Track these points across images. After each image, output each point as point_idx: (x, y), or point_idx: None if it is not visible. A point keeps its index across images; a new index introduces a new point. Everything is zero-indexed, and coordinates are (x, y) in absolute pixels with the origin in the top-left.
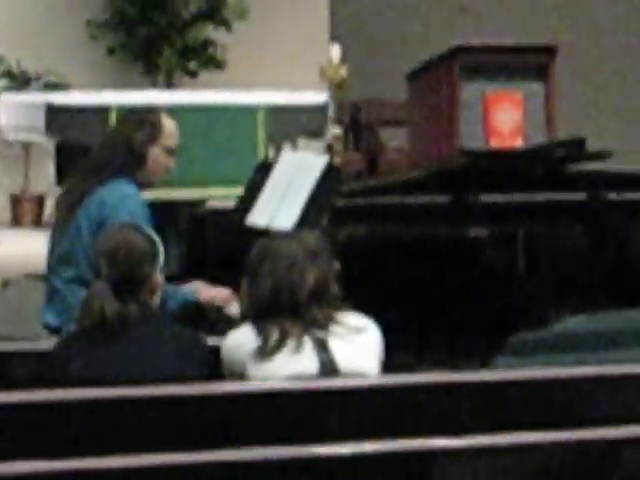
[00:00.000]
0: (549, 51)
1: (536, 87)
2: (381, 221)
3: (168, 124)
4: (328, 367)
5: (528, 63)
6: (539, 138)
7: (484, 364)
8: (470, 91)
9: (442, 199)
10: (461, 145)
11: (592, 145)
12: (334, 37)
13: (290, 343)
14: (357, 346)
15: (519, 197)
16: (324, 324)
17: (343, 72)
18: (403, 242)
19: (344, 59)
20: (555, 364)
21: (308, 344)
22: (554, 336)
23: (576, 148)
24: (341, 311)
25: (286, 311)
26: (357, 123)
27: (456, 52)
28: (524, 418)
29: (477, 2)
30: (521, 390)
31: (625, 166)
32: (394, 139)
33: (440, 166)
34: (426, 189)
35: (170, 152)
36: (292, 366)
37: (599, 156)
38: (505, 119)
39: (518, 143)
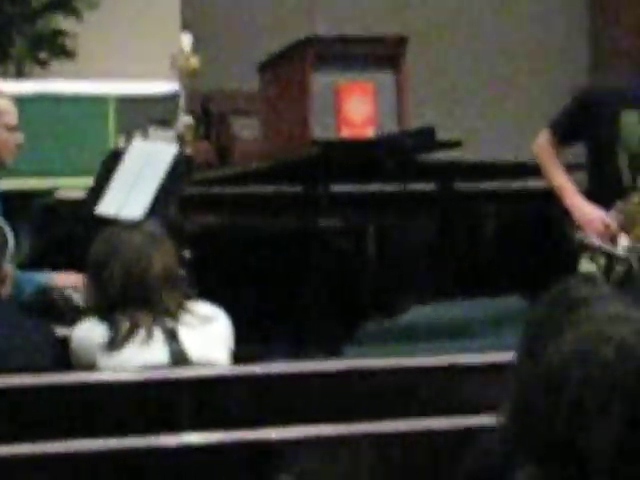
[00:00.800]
0: (400, 41)
1: (387, 77)
2: (231, 211)
3: (1, 102)
4: (178, 357)
5: (379, 53)
6: (391, 128)
7: (334, 353)
8: (321, 81)
9: (293, 189)
10: (312, 135)
11: (444, 135)
12: (185, 26)
13: (140, 333)
14: (207, 335)
15: (370, 187)
16: (174, 313)
17: (194, 61)
18: (253, 232)
19: (196, 48)
20: (403, 353)
21: (158, 334)
22: (402, 326)
23: (426, 138)
24: (191, 300)
25: (135, 301)
26: (208, 113)
27: (307, 42)
28: (373, 407)
29: None
30: (369, 379)
31: (477, 156)
32: (246, 129)
33: (291, 156)
34: (277, 179)
35: (12, 129)
36: (142, 357)
37: (449, 145)
38: (356, 109)
39: (369, 133)
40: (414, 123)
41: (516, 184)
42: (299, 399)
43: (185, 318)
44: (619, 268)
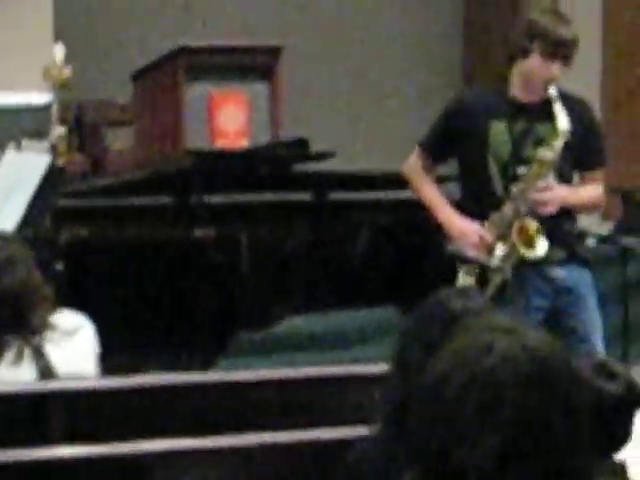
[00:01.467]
0: (274, 52)
1: (261, 88)
2: (105, 222)
3: None
4: (46, 374)
5: (253, 64)
6: (265, 139)
7: (208, 365)
8: (195, 92)
9: (166, 200)
10: (185, 146)
11: (319, 146)
12: (58, 37)
13: (8, 355)
14: (73, 348)
15: (244, 197)
16: (39, 329)
17: (67, 72)
18: (127, 243)
19: (69, 59)
20: (278, 365)
21: (27, 353)
22: (277, 337)
23: (299, 148)
24: (55, 313)
25: (2, 321)
26: (81, 124)
27: (180, 53)
28: (248, 419)
29: (203, 2)
30: (242, 391)
31: (351, 166)
32: (119, 140)
33: (164, 167)
34: (150, 190)
35: None
36: (11, 376)
37: (322, 156)
38: (230, 120)
39: (243, 143)
40: (289, 134)
41: (391, 194)
42: (172, 412)
43: (50, 334)
44: (495, 279)
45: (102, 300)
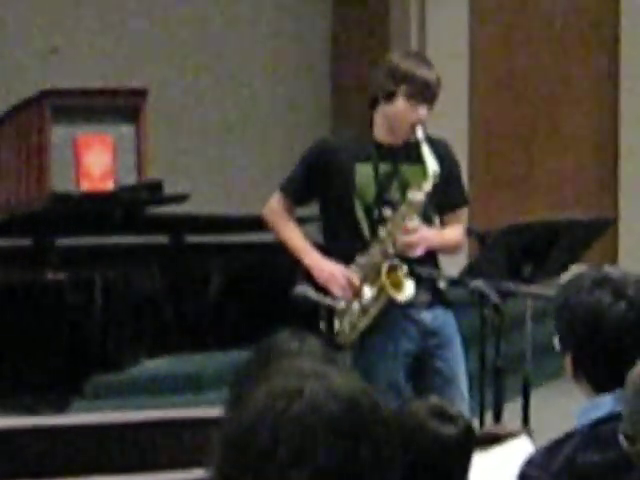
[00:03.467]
0: (139, 94)
1: (127, 130)
2: None
3: None
4: None
5: (118, 106)
6: (130, 180)
7: (62, 408)
8: (60, 134)
9: (20, 243)
10: (51, 189)
11: (183, 188)
12: None
13: None
14: None
15: (99, 240)
16: None
17: None
18: None
19: None
20: (133, 407)
21: None
22: (131, 379)
23: (152, 191)
24: None
25: None
26: None
27: (45, 95)
28: (101, 462)
29: (71, 43)
30: (96, 434)
31: (210, 209)
32: None
33: (18, 210)
34: (4, 233)
35: None
36: None
37: (176, 199)
38: (96, 162)
39: (109, 186)
40: (156, 175)
41: (248, 237)
42: (21, 455)
43: None
44: (360, 323)
45: None
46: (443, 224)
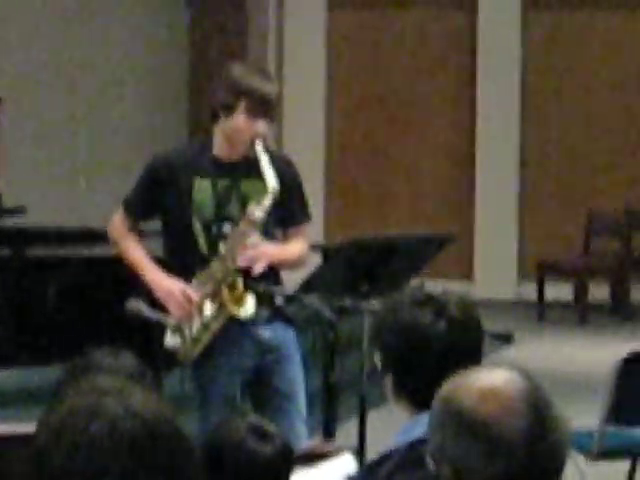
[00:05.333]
0: None
1: None
2: None
3: None
4: None
5: None
6: None
7: None
8: None
9: None
10: None
11: (33, 198)
12: None
13: None
14: None
15: None
16: None
17: None
18: None
19: None
20: None
21: None
22: None
23: None
24: None
25: None
26: None
27: None
28: None
29: None
30: None
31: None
32: None
33: None
34: None
35: None
36: None
37: (13, 211)
38: None
39: None
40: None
41: (84, 250)
42: None
43: None
44: (202, 338)
45: None
46: (286, 239)
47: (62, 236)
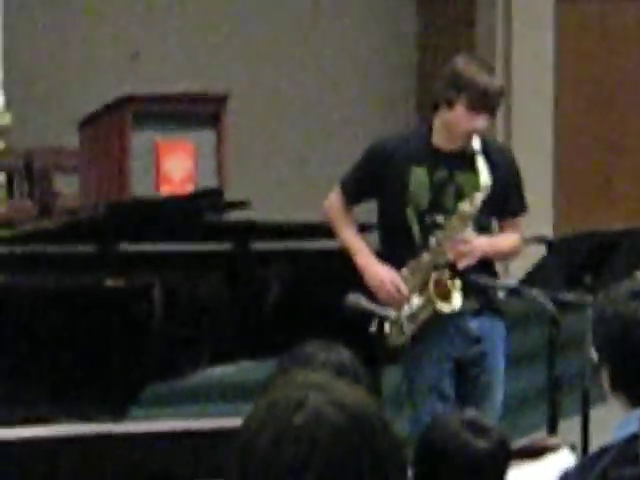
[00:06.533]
0: (219, 99)
1: (207, 135)
2: (20, 269)
3: None
4: None
5: (199, 111)
6: (211, 185)
7: (120, 417)
8: (141, 139)
9: (80, 249)
10: (131, 193)
11: (261, 194)
12: None
13: None
14: None
15: (157, 247)
16: None
17: (7, 119)
18: (39, 291)
19: (9, 106)
20: (191, 415)
21: None
22: (190, 387)
23: (213, 198)
24: None
25: None
26: (30, 170)
27: (126, 101)
28: (158, 470)
29: (151, 49)
30: (155, 443)
31: (298, 215)
32: (70, 186)
33: (80, 216)
34: (65, 238)
35: None
36: None
37: (238, 205)
38: (176, 167)
39: (189, 190)
40: (235, 181)
41: (312, 244)
42: (83, 462)
43: None
44: (395, 329)
45: (13, 348)
46: (501, 229)
47: (286, 230)
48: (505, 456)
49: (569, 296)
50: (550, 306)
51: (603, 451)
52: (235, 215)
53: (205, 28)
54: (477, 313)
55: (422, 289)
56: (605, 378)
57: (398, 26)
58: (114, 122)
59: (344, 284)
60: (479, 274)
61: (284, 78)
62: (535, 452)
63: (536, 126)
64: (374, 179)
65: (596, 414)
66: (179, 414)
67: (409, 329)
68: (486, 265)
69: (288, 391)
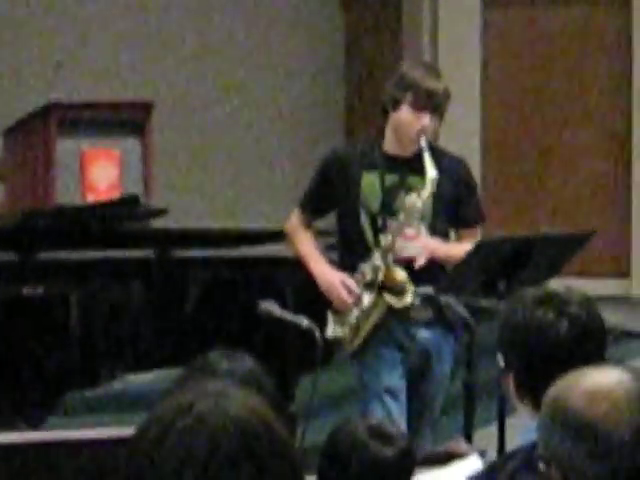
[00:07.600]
0: (145, 107)
1: (133, 143)
2: None
3: None
4: None
5: (124, 119)
6: (136, 193)
7: (37, 425)
8: (66, 147)
9: (0, 257)
10: (56, 201)
11: (186, 202)
12: None
13: None
14: None
15: (75, 255)
16: None
17: None
18: None
19: None
20: (110, 423)
21: None
22: (109, 394)
23: (131, 205)
24: None
25: None
26: None
27: (51, 108)
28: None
29: (74, 58)
30: (73, 451)
31: (231, 223)
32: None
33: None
34: None
35: None
36: None
37: (157, 213)
38: (102, 175)
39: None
40: (160, 188)
41: (229, 251)
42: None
43: None
44: (348, 325)
45: None
46: (458, 239)
47: (204, 238)
48: (410, 463)
49: (484, 302)
50: (464, 313)
51: (510, 455)
52: (159, 223)
53: (131, 38)
54: (430, 324)
55: (373, 286)
56: (510, 383)
57: (325, 31)
58: (39, 130)
59: (262, 292)
60: (424, 277)
61: (209, 86)
62: (444, 458)
63: (464, 129)
64: (330, 189)
65: (514, 422)
66: (98, 423)
67: (364, 328)
68: (437, 269)
69: (181, 398)
